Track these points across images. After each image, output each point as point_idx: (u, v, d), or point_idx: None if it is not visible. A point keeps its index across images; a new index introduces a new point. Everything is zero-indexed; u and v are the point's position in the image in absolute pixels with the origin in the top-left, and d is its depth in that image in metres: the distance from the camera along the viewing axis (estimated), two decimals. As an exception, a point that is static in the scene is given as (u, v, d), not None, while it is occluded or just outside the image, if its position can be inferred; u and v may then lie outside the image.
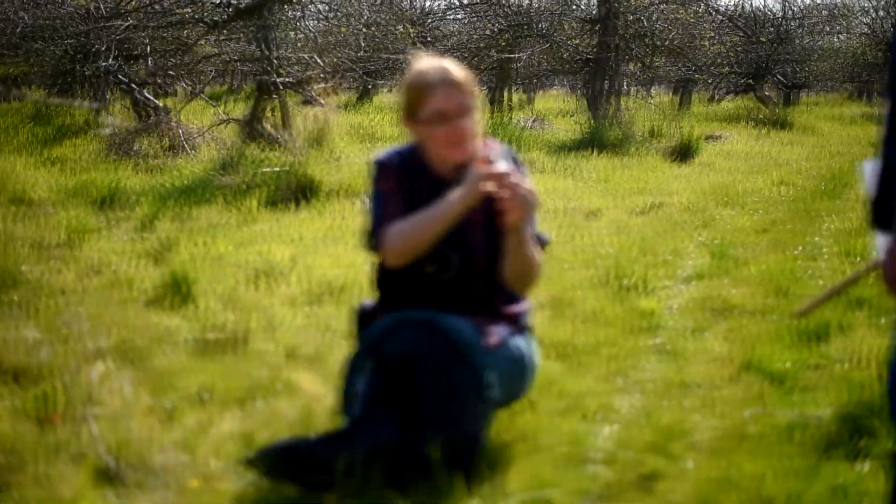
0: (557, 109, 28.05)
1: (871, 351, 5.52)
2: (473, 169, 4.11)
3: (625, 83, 27.28)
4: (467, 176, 4.11)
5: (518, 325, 4.51)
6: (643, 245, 8.74)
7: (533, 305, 4.74)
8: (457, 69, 4.38)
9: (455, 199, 4.15)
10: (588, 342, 5.94)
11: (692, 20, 20.52)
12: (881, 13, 38.40)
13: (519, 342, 4.42)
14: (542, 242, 4.46)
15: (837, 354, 5.70)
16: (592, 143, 17.31)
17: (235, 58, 13.25)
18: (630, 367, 5.68)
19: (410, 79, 4.36)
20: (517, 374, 4.41)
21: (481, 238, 4.37)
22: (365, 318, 4.57)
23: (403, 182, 4.38)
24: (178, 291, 6.32)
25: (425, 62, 4.39)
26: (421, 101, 4.30)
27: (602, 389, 5.23)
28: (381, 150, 4.54)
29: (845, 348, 5.70)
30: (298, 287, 6.58)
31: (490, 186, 4.06)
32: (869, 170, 3.94)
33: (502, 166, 4.08)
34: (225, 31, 12.60)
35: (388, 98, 28.97)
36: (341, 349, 5.49)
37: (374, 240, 4.32)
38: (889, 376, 3.27)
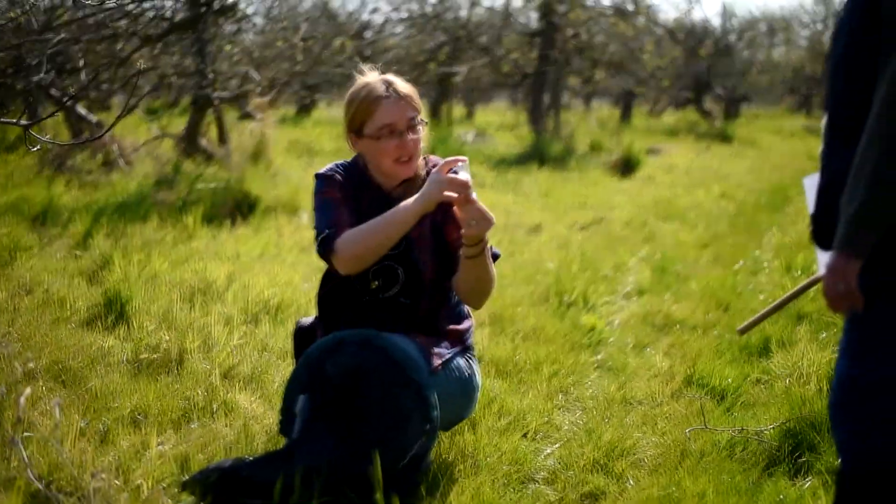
0: (499, 123, 28.10)
1: (813, 366, 5.50)
2: (436, 174, 4.03)
3: (566, 97, 27.36)
4: (429, 181, 4.03)
5: (461, 343, 4.45)
6: (584, 261, 8.71)
7: (474, 324, 4.68)
8: (404, 84, 4.33)
9: (413, 205, 4.07)
10: (529, 359, 5.89)
11: (632, 34, 20.58)
12: (820, 26, 38.87)
13: (461, 362, 4.36)
14: (494, 256, 4.40)
15: (779, 370, 5.68)
16: (534, 157, 17.33)
17: (171, 72, 13.10)
18: (572, 384, 5.64)
19: (356, 92, 4.29)
20: (460, 395, 4.35)
21: (428, 253, 4.31)
22: (303, 337, 4.49)
23: (348, 193, 4.30)
24: (112, 311, 6.20)
25: (371, 76, 4.34)
26: (368, 115, 4.24)
27: (544, 407, 5.18)
28: (322, 167, 4.46)
29: (787, 363, 5.69)
30: (235, 306, 6.48)
31: (453, 194, 3.99)
32: (811, 185, 3.93)
33: (465, 176, 4.02)
34: (160, 45, 12.46)
35: (326, 112, 28.88)
36: (278, 368, 5.42)
37: (325, 246, 4.19)
38: (831, 392, 3.24)
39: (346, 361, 3.99)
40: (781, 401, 5.19)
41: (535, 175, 15.59)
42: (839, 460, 3.25)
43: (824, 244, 3.13)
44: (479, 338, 6.15)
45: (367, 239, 4.11)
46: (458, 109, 34.72)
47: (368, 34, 22.41)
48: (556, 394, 5.47)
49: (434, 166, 4.36)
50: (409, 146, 4.24)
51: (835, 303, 3.04)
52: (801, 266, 8.06)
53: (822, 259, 3.42)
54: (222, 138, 12.93)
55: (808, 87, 38.96)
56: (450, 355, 4.31)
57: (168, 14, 12.25)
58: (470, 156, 17.20)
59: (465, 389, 4.36)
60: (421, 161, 4.36)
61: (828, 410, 3.27)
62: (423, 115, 4.38)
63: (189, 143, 12.59)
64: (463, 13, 23.89)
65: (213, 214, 9.74)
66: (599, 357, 6.21)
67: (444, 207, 4.22)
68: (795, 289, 4.34)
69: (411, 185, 4.32)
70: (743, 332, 4.46)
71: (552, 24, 20.68)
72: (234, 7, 12.16)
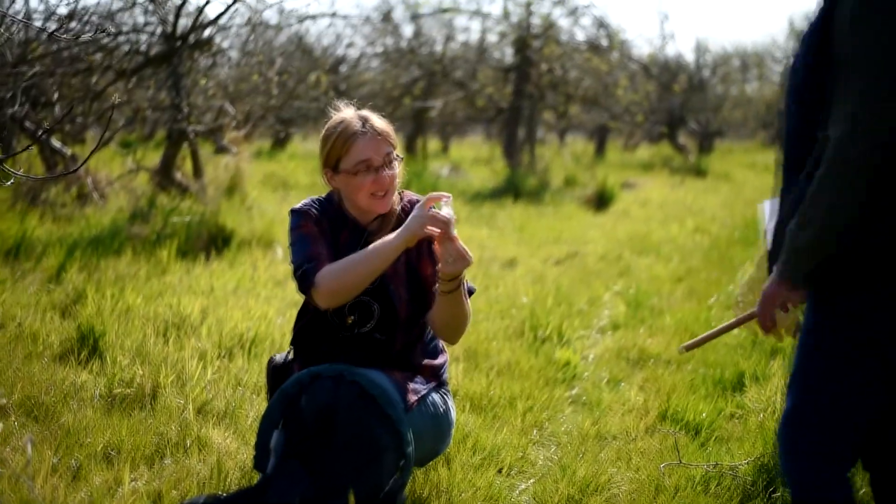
0: (474, 157, 28.13)
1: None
2: (419, 210, 4.03)
3: (541, 131, 27.44)
4: (412, 216, 4.04)
5: (436, 379, 4.45)
6: (559, 295, 8.72)
7: (448, 359, 4.68)
8: (379, 119, 4.35)
9: (394, 240, 4.08)
10: (504, 395, 5.88)
11: (606, 69, 20.69)
12: (792, 61, 39.06)
13: (436, 398, 4.35)
14: (470, 292, 4.40)
15: (753, 404, 5.70)
16: (509, 191, 17.36)
17: (146, 105, 13.10)
18: (546, 420, 5.64)
19: (332, 128, 4.31)
20: (435, 431, 4.34)
21: (403, 289, 4.32)
22: (277, 373, 4.48)
23: (324, 227, 4.31)
24: (85, 345, 6.17)
25: (347, 112, 4.35)
26: (345, 151, 4.25)
27: (518, 443, 5.18)
28: (297, 201, 4.46)
29: (761, 398, 5.69)
30: (209, 340, 6.46)
31: (434, 230, 3.99)
32: (768, 209, 4.01)
33: (448, 213, 4.02)
34: (135, 79, 12.45)
35: (302, 146, 28.88)
36: (253, 404, 5.40)
37: (304, 280, 4.19)
38: (780, 430, 3.37)
39: (320, 397, 3.98)
40: (755, 436, 5.21)
41: (510, 209, 15.62)
42: (790, 491, 3.35)
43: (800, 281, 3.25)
44: (454, 373, 6.14)
45: (347, 273, 4.12)
46: (434, 143, 34.79)
47: (344, 68, 22.47)
48: (531, 429, 5.47)
49: (409, 201, 4.38)
50: (385, 182, 4.25)
51: (765, 326, 3.36)
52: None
53: None
54: (197, 172, 12.91)
55: (781, 120, 39.12)
56: (425, 391, 4.30)
57: (143, 48, 12.26)
58: (444, 190, 17.23)
59: (439, 425, 4.36)
60: (396, 196, 4.37)
61: (778, 450, 3.41)
62: (399, 151, 4.39)
63: (164, 176, 12.56)
64: (438, 48, 23.98)
65: (188, 248, 9.71)
66: (574, 392, 6.21)
67: (420, 243, 4.24)
68: (743, 315, 4.41)
69: (386, 220, 4.33)
70: (686, 350, 4.53)
71: (527, 59, 20.77)
72: (209, 41, 12.17)
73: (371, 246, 4.13)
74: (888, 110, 2.95)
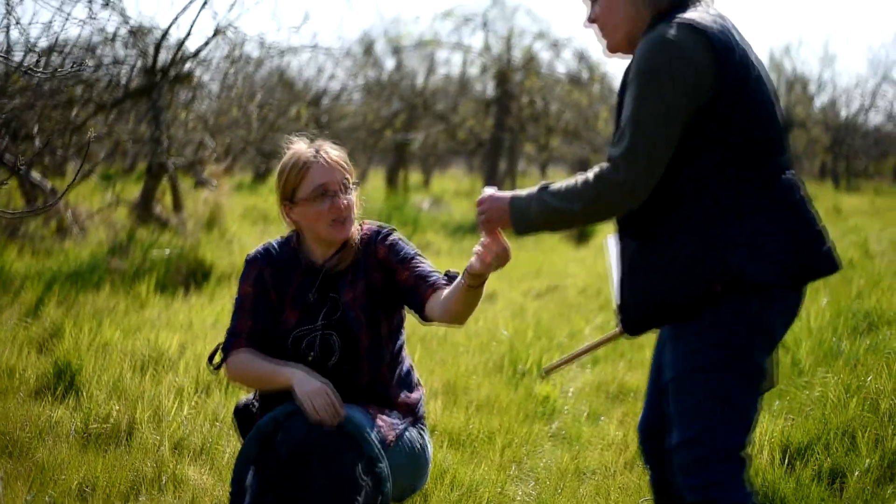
0: (455, 189, 28.17)
1: (766, 435, 5.50)
2: (309, 387, 4.05)
3: (522, 163, 27.50)
4: (306, 390, 4.04)
5: (413, 415, 4.42)
6: (539, 329, 8.71)
7: (425, 394, 4.65)
8: (333, 148, 4.35)
9: (286, 379, 4.12)
10: (483, 430, 5.86)
11: (587, 102, 20.76)
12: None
13: (413, 434, 4.32)
14: (451, 277, 4.37)
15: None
16: (489, 224, 17.33)
17: (126, 138, 13.08)
18: (525, 455, 5.63)
19: (286, 161, 4.32)
20: (413, 467, 4.30)
21: (363, 319, 4.29)
22: (244, 417, 4.44)
23: (265, 281, 4.32)
24: (62, 381, 6.14)
25: (300, 144, 4.35)
26: (300, 180, 4.25)
27: (496, 478, 5.16)
28: (277, 234, 4.45)
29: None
30: (186, 376, 6.42)
31: (318, 413, 4.00)
32: (612, 246, 4.17)
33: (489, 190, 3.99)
34: (115, 112, 12.44)
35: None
36: (229, 440, 5.37)
37: (223, 352, 4.30)
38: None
39: (296, 434, 3.95)
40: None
41: (491, 242, 15.58)
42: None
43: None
44: (433, 408, 6.12)
45: (249, 376, 4.25)
46: (415, 176, 34.83)
47: (325, 101, 22.51)
48: (510, 465, 5.45)
49: (369, 231, 4.37)
50: (343, 207, 4.25)
51: (490, 231, 3.75)
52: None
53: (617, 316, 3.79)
54: (177, 205, 12.89)
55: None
56: (402, 427, 4.27)
57: (123, 81, 12.25)
58: (426, 224, 17.28)
59: (417, 462, 4.32)
60: (356, 227, 4.37)
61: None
62: (354, 179, 4.39)
63: (144, 210, 12.54)
64: (419, 81, 24.04)
65: (167, 282, 9.69)
66: (553, 427, 6.20)
67: (381, 266, 4.30)
68: (602, 337, 4.50)
69: (344, 255, 4.32)
70: (547, 372, 4.59)
71: (508, 92, 20.83)
72: (189, 75, 12.17)
73: (282, 368, 4.16)
74: (642, 167, 3.40)
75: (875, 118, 49.58)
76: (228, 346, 4.27)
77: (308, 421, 3.98)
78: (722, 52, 3.42)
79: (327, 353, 4.27)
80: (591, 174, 3.46)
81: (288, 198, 4.31)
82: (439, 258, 13.54)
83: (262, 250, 4.41)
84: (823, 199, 28.83)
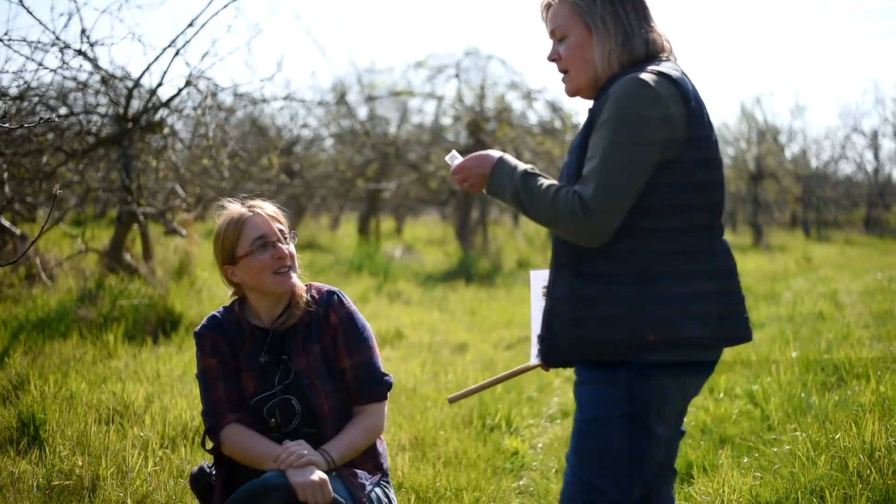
0: (427, 238, 28.19)
1: (735, 493, 5.48)
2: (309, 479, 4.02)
3: (494, 212, 27.55)
4: (305, 481, 4.00)
5: (377, 469, 4.38)
6: (508, 382, 8.67)
7: (387, 448, 4.61)
8: (266, 203, 4.36)
9: (267, 456, 4.11)
10: (450, 486, 5.82)
11: (559, 152, 20.81)
12: (744, 144, 39.55)
13: (379, 493, 4.29)
14: (388, 386, 4.37)
15: (701, 496, 5.66)
16: (461, 273, 17.38)
17: (97, 186, 13.02)
18: (493, 512, 5.58)
19: (221, 225, 4.32)
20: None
21: (321, 381, 4.26)
22: (201, 483, 4.39)
23: (222, 350, 4.30)
24: (26, 434, 6.07)
25: (231, 206, 4.35)
26: (237, 236, 4.26)
27: (463, 536, 5.12)
28: (202, 322, 4.42)
29: (709, 490, 5.66)
30: (152, 429, 6.36)
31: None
32: (535, 280, 4.20)
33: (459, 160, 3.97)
34: (86, 160, 12.39)
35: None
36: (193, 498, 5.30)
37: (212, 436, 4.28)
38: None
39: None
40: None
41: (462, 292, 15.62)
42: None
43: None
44: (400, 464, 6.08)
45: (242, 454, 4.20)
46: (387, 223, 34.84)
47: (298, 149, 22.51)
48: (477, 522, 5.41)
49: (319, 292, 4.35)
50: (286, 255, 4.25)
51: (464, 181, 3.78)
52: (724, 388, 8.07)
53: (534, 347, 3.99)
54: (147, 254, 12.83)
55: (733, 203, 39.56)
56: (370, 487, 4.24)
57: (94, 129, 12.22)
58: (397, 272, 17.27)
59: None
60: (303, 287, 4.35)
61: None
62: (293, 236, 4.40)
63: (113, 258, 12.47)
64: (392, 129, 24.09)
65: (136, 332, 9.62)
66: (522, 482, 6.17)
67: (335, 334, 4.29)
68: (517, 368, 4.54)
69: (293, 312, 4.30)
70: (452, 401, 4.63)
71: (480, 142, 20.89)
72: (160, 123, 12.15)
73: (264, 449, 4.14)
74: (612, 214, 3.44)
75: (845, 168, 49.91)
76: (215, 426, 4.25)
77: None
78: (693, 108, 3.46)
79: (289, 417, 4.25)
80: (563, 203, 3.48)
81: (228, 260, 4.29)
82: (410, 307, 13.53)
83: (207, 322, 4.39)
84: (794, 249, 28.96)
